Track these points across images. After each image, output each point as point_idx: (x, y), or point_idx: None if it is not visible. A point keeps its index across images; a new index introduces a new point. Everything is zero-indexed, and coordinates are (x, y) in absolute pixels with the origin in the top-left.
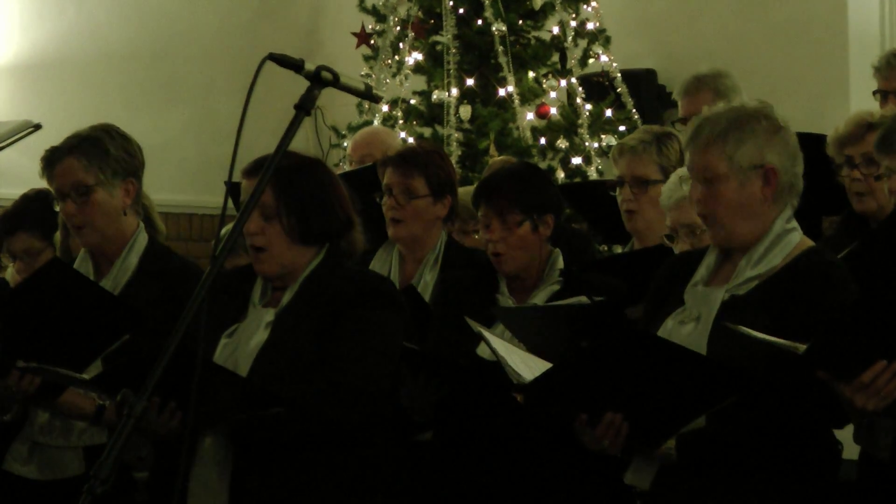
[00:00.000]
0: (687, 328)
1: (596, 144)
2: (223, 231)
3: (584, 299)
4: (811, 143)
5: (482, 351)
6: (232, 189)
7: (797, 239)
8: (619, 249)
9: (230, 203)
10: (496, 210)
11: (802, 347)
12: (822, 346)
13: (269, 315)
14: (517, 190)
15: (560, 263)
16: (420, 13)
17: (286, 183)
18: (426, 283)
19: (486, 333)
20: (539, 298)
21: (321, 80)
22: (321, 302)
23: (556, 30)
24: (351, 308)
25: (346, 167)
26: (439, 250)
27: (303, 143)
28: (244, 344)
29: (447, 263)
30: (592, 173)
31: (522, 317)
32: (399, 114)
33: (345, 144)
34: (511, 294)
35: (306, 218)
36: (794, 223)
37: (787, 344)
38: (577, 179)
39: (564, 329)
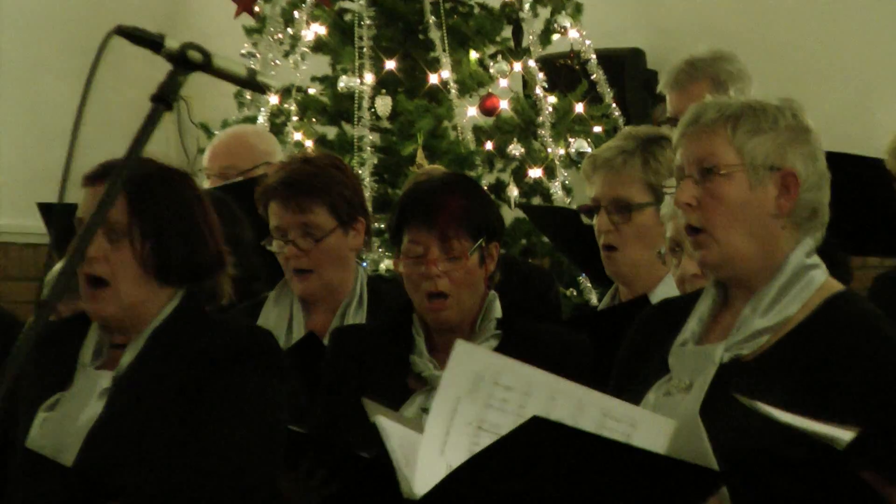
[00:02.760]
0: (674, 401)
1: (562, 151)
2: (50, 272)
3: None
4: (846, 164)
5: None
6: (60, 211)
7: (821, 279)
8: (590, 297)
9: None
10: (439, 234)
11: (846, 437)
12: (872, 437)
13: (105, 380)
14: (465, 207)
15: (497, 310)
16: None
17: (144, 195)
18: None
19: (383, 421)
20: None
21: (187, 61)
22: (176, 363)
23: None
24: (218, 372)
25: (206, 183)
26: (360, 290)
27: (162, 146)
28: (71, 419)
29: (374, 308)
30: (556, 191)
31: None
32: (293, 108)
33: None
34: (432, 353)
35: (167, 246)
36: (817, 259)
37: (826, 433)
38: (537, 200)
39: None
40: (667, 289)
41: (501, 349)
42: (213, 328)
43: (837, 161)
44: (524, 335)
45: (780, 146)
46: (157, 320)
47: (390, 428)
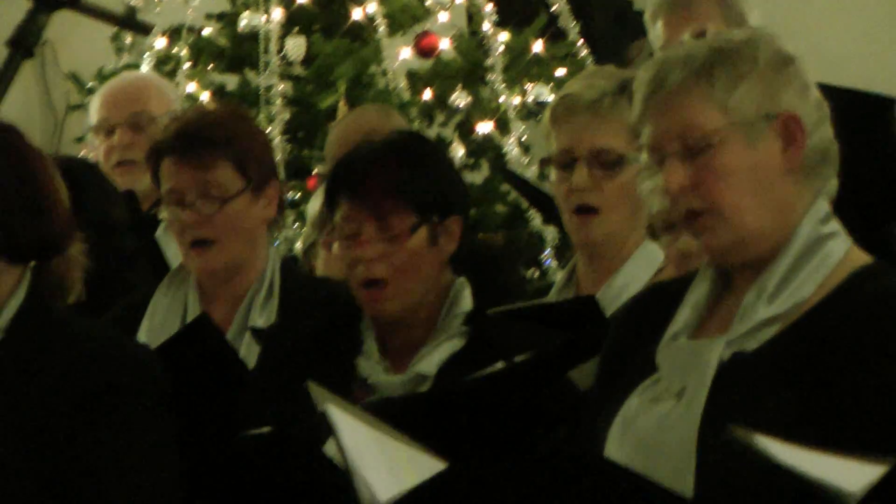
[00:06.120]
0: (662, 409)
1: (517, 99)
2: None
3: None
4: (872, 108)
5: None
6: None
7: (841, 251)
8: (556, 278)
9: None
10: (372, 208)
11: (857, 488)
12: (892, 482)
13: None
14: (406, 175)
15: (466, 301)
16: None
17: None
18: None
19: (335, 411)
20: (428, 363)
21: None
22: (25, 390)
23: None
24: (92, 414)
25: (99, 141)
26: (271, 277)
27: (22, 101)
28: None
29: (288, 300)
30: (511, 148)
31: (394, 411)
32: (184, 53)
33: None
34: (384, 356)
35: (8, 218)
36: (834, 224)
37: (834, 485)
38: (491, 158)
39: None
40: (635, 268)
41: (467, 352)
42: (73, 343)
43: (837, 98)
44: (498, 336)
45: (769, 87)
46: (2, 317)
47: (344, 422)
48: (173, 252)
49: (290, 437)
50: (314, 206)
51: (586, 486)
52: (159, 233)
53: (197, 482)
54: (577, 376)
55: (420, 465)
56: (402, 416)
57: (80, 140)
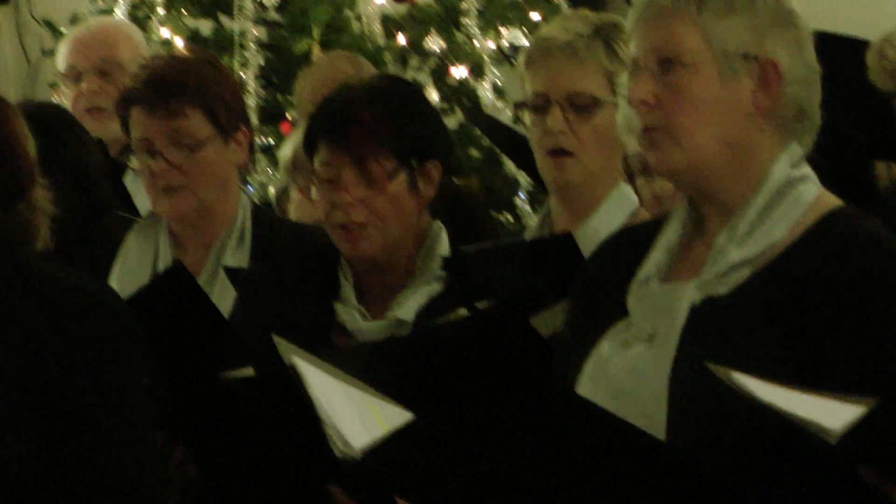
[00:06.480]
0: (633, 353)
1: (492, 44)
2: None
3: (464, 313)
4: (849, 51)
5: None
6: None
7: (811, 194)
8: (529, 222)
9: None
10: (353, 153)
11: (838, 426)
12: (873, 423)
13: None
14: (386, 120)
15: (444, 245)
16: None
17: None
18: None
19: (302, 364)
20: (406, 309)
21: None
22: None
23: None
24: (73, 367)
25: (67, 89)
26: (242, 222)
27: None
28: None
29: (260, 244)
30: (486, 93)
31: (359, 359)
32: None
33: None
34: (362, 301)
35: None
36: (807, 169)
37: (815, 421)
38: (466, 103)
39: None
40: (609, 211)
41: (445, 296)
42: (42, 289)
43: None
44: (476, 280)
45: (757, 30)
46: None
47: (312, 375)
48: (142, 198)
49: (271, 378)
50: (287, 151)
51: (561, 425)
52: (128, 179)
53: (178, 424)
54: (538, 323)
55: (389, 415)
56: (373, 365)
57: (53, 86)
